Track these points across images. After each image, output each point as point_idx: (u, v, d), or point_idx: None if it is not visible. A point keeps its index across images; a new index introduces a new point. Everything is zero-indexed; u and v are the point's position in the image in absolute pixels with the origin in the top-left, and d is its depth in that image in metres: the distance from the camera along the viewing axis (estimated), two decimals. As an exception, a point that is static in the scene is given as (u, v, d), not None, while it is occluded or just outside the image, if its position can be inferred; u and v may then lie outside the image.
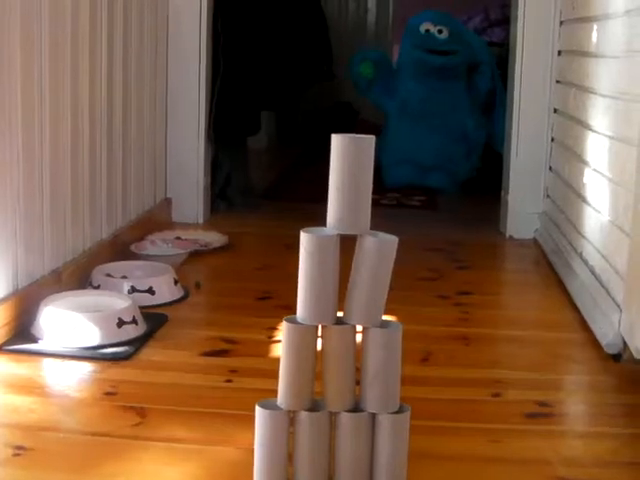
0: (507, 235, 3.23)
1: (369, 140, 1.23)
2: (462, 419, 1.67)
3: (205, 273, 2.70)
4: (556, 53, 3.08)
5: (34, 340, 1.96)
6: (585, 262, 2.42)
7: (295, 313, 1.28)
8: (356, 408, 1.29)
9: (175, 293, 2.35)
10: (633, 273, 1.90)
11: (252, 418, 1.30)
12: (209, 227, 3.16)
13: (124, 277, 2.38)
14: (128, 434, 1.54)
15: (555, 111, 3.10)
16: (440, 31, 4.26)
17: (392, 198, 3.97)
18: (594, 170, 2.42)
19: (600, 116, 2.40)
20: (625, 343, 1.92)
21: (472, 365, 1.95)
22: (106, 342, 1.95)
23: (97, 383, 1.79)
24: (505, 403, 1.75)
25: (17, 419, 1.58)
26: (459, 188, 4.21)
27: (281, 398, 1.29)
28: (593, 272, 2.32)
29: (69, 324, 1.95)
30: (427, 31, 4.28)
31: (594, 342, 2.07)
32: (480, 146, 4.28)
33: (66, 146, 2.29)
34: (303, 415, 1.29)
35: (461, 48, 4.24)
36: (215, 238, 2.96)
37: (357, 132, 1.24)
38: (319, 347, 1.28)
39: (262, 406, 1.30)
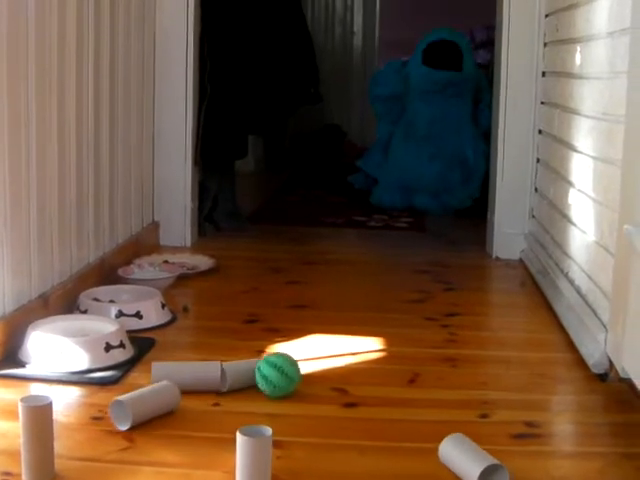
0: (493, 256, 3.24)
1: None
2: (450, 440, 1.66)
3: (192, 296, 2.70)
4: (540, 74, 3.11)
5: (21, 365, 1.95)
6: (571, 282, 2.43)
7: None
8: None
9: (162, 317, 2.35)
10: (618, 293, 1.91)
11: (240, 441, 1.30)
12: (196, 250, 3.16)
13: (111, 301, 2.38)
14: (116, 459, 1.54)
15: (540, 132, 3.12)
16: None
17: (379, 220, 3.98)
18: (579, 190, 2.43)
19: (584, 137, 2.42)
20: (611, 363, 1.93)
21: (459, 386, 1.96)
22: (93, 366, 1.95)
23: (85, 408, 1.78)
24: (493, 424, 1.76)
25: (4, 444, 1.57)
26: (452, 214, 4.21)
27: None
28: (579, 292, 2.33)
29: (56, 349, 1.95)
30: None
31: (581, 362, 2.07)
32: (480, 175, 4.13)
33: (53, 170, 2.29)
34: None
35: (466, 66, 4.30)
36: (202, 261, 2.96)
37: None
38: None
39: (244, 433, 1.30)
